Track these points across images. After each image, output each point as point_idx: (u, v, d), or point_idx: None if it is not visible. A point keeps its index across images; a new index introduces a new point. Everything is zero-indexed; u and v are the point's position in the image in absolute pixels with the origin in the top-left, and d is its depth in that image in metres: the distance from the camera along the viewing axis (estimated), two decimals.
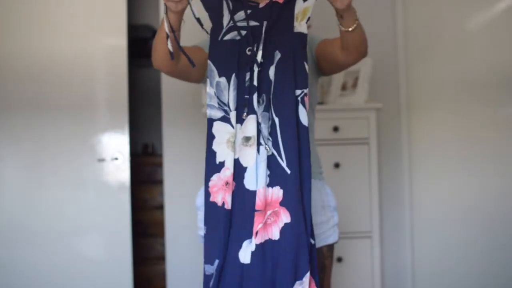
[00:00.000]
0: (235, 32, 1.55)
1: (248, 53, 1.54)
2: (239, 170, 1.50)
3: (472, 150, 3.40)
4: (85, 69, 3.35)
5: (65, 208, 3.30)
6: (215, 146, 1.53)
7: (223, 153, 1.51)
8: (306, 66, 1.53)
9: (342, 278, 3.02)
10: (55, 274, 3.27)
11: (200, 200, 1.91)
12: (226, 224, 1.49)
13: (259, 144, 1.50)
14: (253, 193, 1.48)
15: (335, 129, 3.04)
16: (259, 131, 1.50)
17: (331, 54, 1.80)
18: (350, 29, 1.62)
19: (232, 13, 1.56)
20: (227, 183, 1.49)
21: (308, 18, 1.56)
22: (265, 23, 1.54)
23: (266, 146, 1.50)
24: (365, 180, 3.05)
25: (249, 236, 1.48)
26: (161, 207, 3.82)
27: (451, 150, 3.42)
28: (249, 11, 1.55)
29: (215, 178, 1.51)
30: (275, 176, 1.49)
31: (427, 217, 3.42)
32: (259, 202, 1.47)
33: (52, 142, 3.32)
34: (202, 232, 1.87)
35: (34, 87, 3.31)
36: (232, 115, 1.52)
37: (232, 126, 1.51)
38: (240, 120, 1.52)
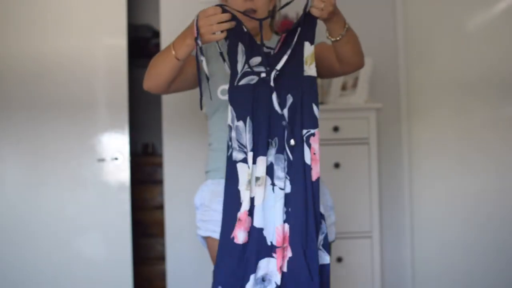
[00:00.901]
0: (250, 77, 1.66)
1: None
2: (251, 208, 1.61)
3: (472, 150, 3.40)
4: (85, 69, 3.35)
5: (65, 208, 3.30)
6: (240, 186, 1.64)
7: (243, 192, 1.63)
8: (315, 108, 1.64)
9: (342, 278, 3.02)
10: (55, 274, 3.27)
11: (198, 199, 1.91)
12: (234, 257, 1.61)
13: (273, 184, 1.61)
14: (259, 230, 1.60)
15: (335, 129, 3.04)
16: (271, 172, 1.61)
17: (327, 60, 1.81)
18: (335, 39, 1.65)
19: (247, 58, 1.66)
20: (239, 220, 1.61)
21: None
22: (274, 71, 1.64)
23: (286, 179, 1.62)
24: (365, 180, 3.05)
25: (252, 271, 1.59)
26: (161, 207, 3.82)
27: (451, 150, 3.42)
28: (261, 58, 1.65)
29: (234, 214, 1.63)
30: (284, 214, 1.61)
31: (427, 217, 3.42)
32: (278, 238, 1.59)
33: (52, 142, 3.31)
34: (200, 231, 1.87)
35: (34, 87, 3.31)
36: (249, 156, 1.63)
37: (248, 167, 1.62)
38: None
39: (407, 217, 3.42)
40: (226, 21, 1.61)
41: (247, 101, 1.65)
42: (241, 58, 1.67)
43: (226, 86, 1.77)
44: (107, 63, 3.36)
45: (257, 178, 1.61)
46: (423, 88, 3.46)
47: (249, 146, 1.63)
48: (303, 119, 1.63)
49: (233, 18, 1.65)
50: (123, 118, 3.35)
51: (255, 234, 1.60)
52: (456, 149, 3.41)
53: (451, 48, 3.45)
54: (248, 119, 1.64)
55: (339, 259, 3.02)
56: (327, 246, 1.65)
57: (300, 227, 1.58)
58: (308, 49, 1.66)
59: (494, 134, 3.38)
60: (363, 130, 3.06)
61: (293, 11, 3.15)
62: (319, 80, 2.92)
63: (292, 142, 1.61)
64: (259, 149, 1.63)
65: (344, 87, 3.20)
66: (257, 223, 1.60)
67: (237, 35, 1.67)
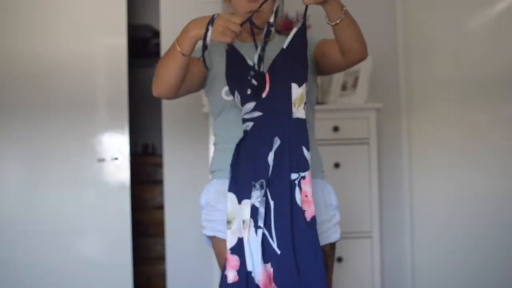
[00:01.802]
0: (246, 124, 1.72)
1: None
2: (241, 249, 1.64)
3: (472, 150, 3.40)
4: (85, 69, 3.35)
5: (65, 208, 3.30)
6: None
7: (228, 235, 1.68)
8: (305, 151, 1.65)
9: (342, 278, 3.02)
10: (55, 274, 3.27)
11: (204, 199, 1.91)
12: None
13: (257, 227, 1.62)
14: (249, 273, 1.62)
15: (335, 129, 3.04)
16: (256, 216, 1.62)
17: (330, 55, 1.80)
18: (335, 22, 1.63)
19: (242, 105, 1.71)
20: (226, 258, 1.65)
21: (305, 103, 1.68)
22: (263, 113, 1.68)
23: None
24: (365, 180, 3.05)
25: None
26: (161, 207, 3.82)
27: (451, 150, 3.42)
28: (254, 104, 1.69)
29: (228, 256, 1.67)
30: (268, 255, 1.62)
31: (427, 217, 3.42)
32: (263, 280, 1.61)
33: (52, 142, 3.32)
34: (205, 231, 1.87)
35: (34, 87, 3.31)
36: (228, 197, 1.68)
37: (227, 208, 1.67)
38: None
39: (407, 217, 3.42)
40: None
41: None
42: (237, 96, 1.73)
43: None
44: (107, 63, 3.36)
45: (244, 221, 1.63)
46: (423, 88, 3.46)
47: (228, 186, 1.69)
48: (291, 162, 1.63)
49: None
50: (123, 118, 3.35)
51: (245, 275, 1.63)
52: (456, 149, 3.41)
53: (451, 48, 3.45)
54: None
55: (339, 259, 3.02)
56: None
57: (288, 272, 1.60)
58: (296, 91, 1.66)
59: (494, 134, 3.39)
60: (363, 130, 3.06)
61: (293, 11, 3.14)
62: (319, 79, 2.93)
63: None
64: (243, 192, 1.65)
65: (344, 87, 3.20)
66: (248, 266, 1.63)
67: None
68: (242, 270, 1.63)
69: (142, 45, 4.52)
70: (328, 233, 1.86)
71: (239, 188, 1.66)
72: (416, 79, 3.46)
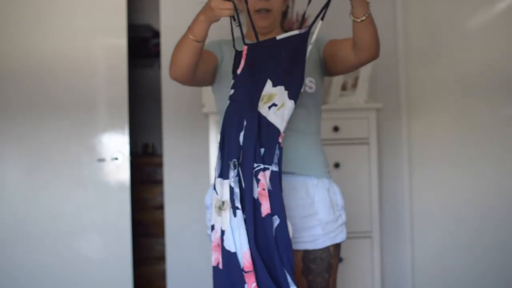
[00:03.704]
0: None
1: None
2: (221, 233, 1.61)
3: (472, 150, 3.40)
4: (85, 69, 3.35)
5: (65, 208, 3.30)
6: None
7: (213, 217, 1.65)
8: (262, 150, 1.60)
9: (342, 278, 3.02)
10: (55, 273, 3.27)
11: (208, 199, 1.90)
12: (219, 282, 1.62)
13: (235, 208, 1.58)
14: (234, 254, 1.57)
15: (335, 129, 3.04)
16: (232, 196, 1.59)
17: (341, 54, 1.80)
18: (359, 19, 1.62)
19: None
20: (218, 245, 1.62)
21: (273, 104, 1.64)
22: (234, 90, 1.69)
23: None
24: (365, 180, 3.05)
25: None
26: (161, 207, 3.82)
27: (451, 150, 3.42)
28: (233, 81, 1.70)
29: (213, 240, 1.65)
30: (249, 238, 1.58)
31: (427, 217, 3.42)
32: (246, 263, 1.55)
33: (52, 142, 3.32)
34: (210, 231, 1.87)
35: (34, 87, 3.31)
36: (217, 182, 1.65)
37: (216, 192, 1.65)
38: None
39: (407, 217, 3.42)
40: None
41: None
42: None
43: None
44: (107, 63, 3.36)
45: (223, 202, 1.61)
46: (423, 88, 3.46)
47: (218, 172, 1.66)
48: (256, 153, 1.60)
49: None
50: (123, 118, 3.35)
51: (231, 258, 1.58)
52: (456, 149, 3.41)
53: (451, 48, 3.45)
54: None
55: (339, 259, 3.02)
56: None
57: (256, 256, 1.55)
58: (269, 88, 1.65)
59: (494, 134, 3.38)
60: (363, 130, 3.06)
61: (293, 12, 3.14)
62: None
63: None
64: (223, 172, 1.63)
65: (344, 87, 3.20)
66: (230, 248, 1.58)
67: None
68: (225, 254, 1.60)
69: (142, 45, 4.52)
70: (334, 233, 1.86)
71: (222, 169, 1.64)
72: (416, 79, 3.46)
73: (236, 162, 1.60)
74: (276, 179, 1.60)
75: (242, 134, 1.62)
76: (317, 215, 1.82)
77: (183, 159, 3.39)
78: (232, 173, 1.60)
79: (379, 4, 3.46)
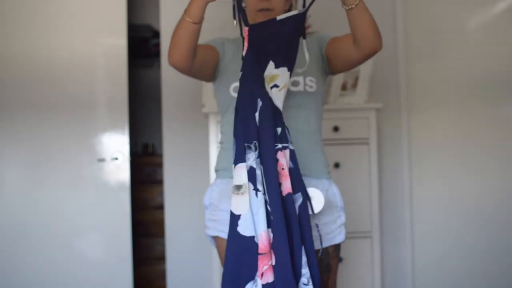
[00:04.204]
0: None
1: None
2: (232, 218, 1.58)
3: (472, 150, 3.40)
4: (85, 69, 3.35)
5: (65, 208, 3.30)
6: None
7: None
8: (279, 129, 1.62)
9: (342, 278, 3.02)
10: (55, 274, 3.27)
11: (207, 199, 1.90)
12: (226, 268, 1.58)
13: (256, 189, 1.56)
14: (249, 238, 1.55)
15: (335, 129, 3.04)
16: (253, 178, 1.56)
17: (343, 50, 1.79)
18: (350, 6, 1.62)
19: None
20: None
21: (275, 85, 1.65)
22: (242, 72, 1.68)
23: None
24: (365, 180, 3.05)
25: (251, 278, 1.55)
26: (161, 207, 3.82)
27: (451, 150, 3.42)
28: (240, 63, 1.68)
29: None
30: (268, 220, 1.55)
31: (427, 217, 3.42)
32: (261, 245, 1.53)
33: (52, 142, 3.31)
34: (209, 231, 1.87)
35: (34, 87, 3.31)
36: (236, 168, 1.61)
37: (231, 176, 1.63)
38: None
39: (407, 217, 3.42)
40: None
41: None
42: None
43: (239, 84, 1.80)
44: (107, 63, 3.36)
45: (238, 187, 1.58)
46: (423, 88, 3.46)
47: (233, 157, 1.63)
48: (275, 132, 1.61)
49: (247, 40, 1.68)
50: (123, 118, 3.35)
51: (247, 243, 1.55)
52: (457, 149, 3.41)
53: (451, 48, 3.45)
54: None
55: (339, 259, 3.02)
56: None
57: (282, 235, 1.53)
58: (271, 70, 1.66)
59: (495, 134, 3.39)
60: (363, 130, 3.06)
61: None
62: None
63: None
64: (238, 156, 1.60)
65: (344, 87, 3.20)
66: (246, 232, 1.56)
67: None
68: (241, 239, 1.57)
69: (142, 45, 4.52)
70: (333, 234, 1.85)
71: (237, 154, 1.61)
72: (416, 79, 3.46)
73: (257, 144, 1.59)
74: (294, 157, 1.61)
75: (257, 114, 1.61)
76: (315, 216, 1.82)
77: (183, 159, 3.39)
78: (254, 155, 1.58)
79: (379, 4, 3.46)
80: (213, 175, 2.95)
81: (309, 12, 1.72)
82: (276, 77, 1.65)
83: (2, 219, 3.29)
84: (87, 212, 3.31)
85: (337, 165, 3.03)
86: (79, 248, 3.31)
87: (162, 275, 3.70)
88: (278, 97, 1.65)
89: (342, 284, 3.01)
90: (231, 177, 1.72)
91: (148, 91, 4.39)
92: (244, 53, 1.67)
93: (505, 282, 3.33)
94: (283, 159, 1.59)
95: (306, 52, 1.72)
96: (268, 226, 1.55)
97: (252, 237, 1.55)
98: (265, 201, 1.56)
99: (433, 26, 3.47)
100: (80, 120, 3.33)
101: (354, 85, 3.14)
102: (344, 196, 1.93)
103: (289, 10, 1.91)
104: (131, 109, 3.43)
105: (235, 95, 1.80)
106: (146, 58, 4.50)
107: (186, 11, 1.68)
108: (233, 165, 1.61)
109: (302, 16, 1.67)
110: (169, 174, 3.39)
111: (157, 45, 4.08)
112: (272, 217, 1.54)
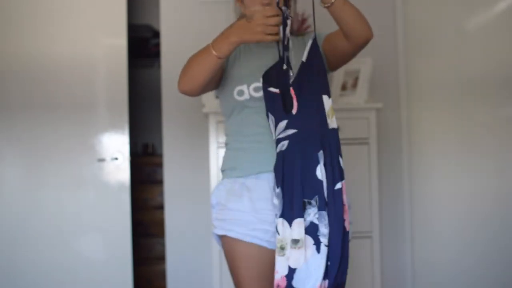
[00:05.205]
0: (281, 143, 1.66)
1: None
2: (289, 271, 1.61)
3: (472, 150, 3.39)
4: (85, 69, 3.35)
5: (65, 208, 3.30)
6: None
7: (276, 259, 1.63)
8: (340, 160, 1.69)
9: None
10: (55, 273, 3.27)
11: (214, 198, 1.90)
12: None
13: (318, 243, 1.60)
14: None
15: None
16: (313, 232, 1.59)
17: (337, 46, 1.79)
18: (329, 3, 1.61)
19: (275, 126, 1.68)
20: (278, 286, 1.62)
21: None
22: (297, 130, 1.65)
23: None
24: (365, 180, 3.04)
25: None
26: (161, 207, 3.82)
27: (451, 150, 3.42)
28: (286, 121, 1.65)
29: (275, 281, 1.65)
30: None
31: (427, 217, 3.42)
32: None
33: (52, 142, 3.32)
34: (216, 230, 1.86)
35: (34, 87, 3.32)
36: (278, 222, 1.62)
37: (278, 233, 1.62)
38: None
39: (407, 217, 3.42)
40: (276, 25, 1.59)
41: (278, 166, 1.66)
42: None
43: (242, 87, 1.79)
44: (107, 63, 3.36)
45: (296, 241, 1.60)
46: (423, 88, 3.46)
47: (278, 212, 1.63)
48: (334, 174, 1.65)
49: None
50: (123, 118, 3.35)
51: None
52: (456, 149, 3.41)
53: (451, 48, 3.45)
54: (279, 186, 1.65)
55: None
56: None
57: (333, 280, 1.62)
58: (327, 102, 1.66)
59: (494, 134, 3.38)
60: (363, 130, 3.06)
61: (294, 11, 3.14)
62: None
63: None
64: (294, 212, 1.61)
65: (344, 87, 3.20)
66: (299, 285, 1.60)
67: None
68: None
69: (142, 45, 4.52)
70: None
71: (289, 209, 1.62)
72: (416, 79, 3.46)
73: (317, 198, 1.61)
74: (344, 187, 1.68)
75: (318, 168, 1.63)
76: None
77: (183, 159, 3.39)
78: (315, 210, 1.61)
79: (379, 4, 3.47)
80: (213, 175, 2.97)
81: (309, 12, 1.72)
82: (331, 106, 1.68)
83: (2, 219, 3.29)
84: (87, 212, 3.31)
85: None
86: (79, 248, 3.31)
87: (162, 275, 3.70)
88: (335, 124, 1.69)
89: None
90: (238, 176, 1.75)
91: (148, 91, 4.39)
92: (294, 111, 1.65)
93: (505, 281, 3.33)
94: (344, 195, 1.66)
95: (306, 52, 1.72)
96: (325, 277, 1.60)
97: None
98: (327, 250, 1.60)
99: (433, 26, 3.47)
100: (80, 120, 3.33)
101: (354, 85, 3.14)
102: None
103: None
104: (131, 109, 3.43)
105: (239, 98, 1.80)
106: (146, 58, 4.50)
107: (214, 45, 1.63)
108: (281, 220, 1.62)
109: (315, 41, 1.67)
110: (169, 174, 3.39)
111: (157, 45, 4.08)
112: (329, 263, 1.61)
